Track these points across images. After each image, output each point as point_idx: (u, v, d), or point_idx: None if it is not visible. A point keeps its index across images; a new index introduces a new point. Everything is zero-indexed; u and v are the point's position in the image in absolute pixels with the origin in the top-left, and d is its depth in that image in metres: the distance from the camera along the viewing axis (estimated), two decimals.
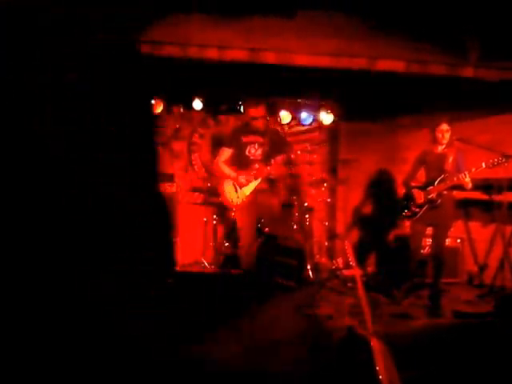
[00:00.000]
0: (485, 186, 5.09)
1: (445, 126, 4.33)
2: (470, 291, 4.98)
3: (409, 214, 4.50)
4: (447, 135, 4.34)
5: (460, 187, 4.31)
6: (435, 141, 4.39)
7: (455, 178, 4.17)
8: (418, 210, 4.43)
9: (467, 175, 4.12)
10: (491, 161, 4.09)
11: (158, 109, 5.76)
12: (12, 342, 1.02)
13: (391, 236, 5.92)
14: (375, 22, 4.59)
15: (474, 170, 4.11)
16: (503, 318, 3.76)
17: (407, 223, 4.79)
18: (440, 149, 4.39)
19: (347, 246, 4.27)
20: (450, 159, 4.29)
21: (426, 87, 5.10)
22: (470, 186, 4.18)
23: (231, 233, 5.41)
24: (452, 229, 4.75)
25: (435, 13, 4.46)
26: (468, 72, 4.81)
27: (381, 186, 6.31)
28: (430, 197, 4.35)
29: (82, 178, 1.08)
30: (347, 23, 4.60)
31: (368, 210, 6.44)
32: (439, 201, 4.32)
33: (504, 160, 4.10)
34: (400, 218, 5.03)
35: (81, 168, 1.10)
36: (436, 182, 4.34)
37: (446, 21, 4.55)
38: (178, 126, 6.22)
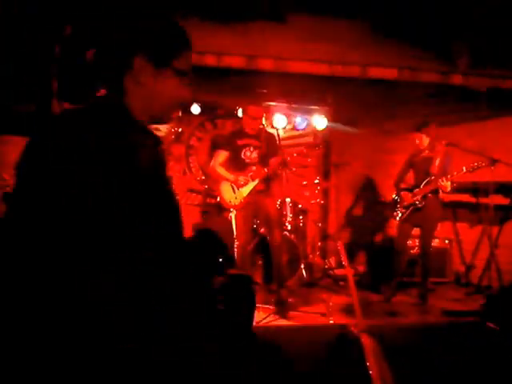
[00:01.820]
0: (472, 188, 5.27)
1: (420, 134, 4.51)
2: (458, 290, 5.13)
3: (396, 215, 4.66)
4: (425, 141, 4.50)
5: (454, 190, 4.48)
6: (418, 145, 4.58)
7: (438, 182, 4.34)
8: (403, 211, 4.59)
9: (444, 180, 4.28)
10: (471, 165, 4.26)
11: None
12: (9, 343, 1.00)
13: (381, 236, 6.07)
14: (369, 29, 4.72)
15: (455, 173, 4.28)
16: (490, 316, 3.90)
17: (395, 224, 4.92)
18: (426, 152, 4.55)
19: (340, 246, 4.40)
20: (437, 162, 4.42)
21: (415, 93, 5.25)
22: (448, 189, 4.30)
23: None
24: (440, 230, 4.90)
25: (426, 21, 4.60)
26: (457, 79, 4.97)
27: (370, 189, 6.46)
28: (414, 199, 4.52)
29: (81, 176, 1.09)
30: (342, 30, 4.72)
31: (359, 211, 6.59)
32: (423, 203, 4.47)
33: (482, 164, 4.27)
34: (388, 219, 5.15)
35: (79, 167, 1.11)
36: (422, 185, 4.50)
37: (436, 29, 4.69)
38: (180, 129, 6.33)
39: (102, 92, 1.21)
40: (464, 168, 4.25)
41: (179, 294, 1.06)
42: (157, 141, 1.21)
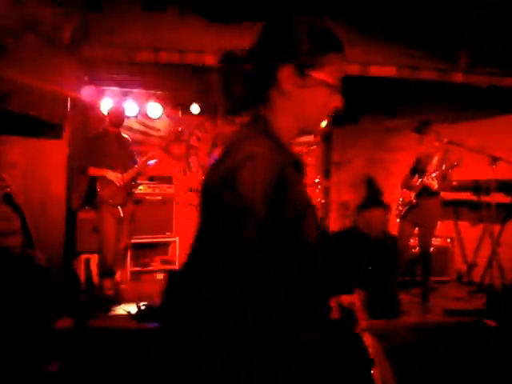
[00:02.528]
0: (474, 187, 5.26)
1: (420, 136, 4.51)
2: (460, 289, 5.13)
3: (397, 213, 4.67)
4: (425, 143, 4.49)
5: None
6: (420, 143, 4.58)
7: (424, 179, 4.34)
8: (402, 209, 4.59)
9: (428, 177, 4.29)
10: (449, 163, 4.28)
11: (158, 113, 5.88)
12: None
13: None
14: (368, 28, 4.72)
15: (436, 172, 4.30)
16: (492, 314, 3.89)
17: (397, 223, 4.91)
18: (427, 150, 4.54)
19: None
20: (434, 160, 4.43)
21: (415, 91, 5.24)
22: (435, 187, 4.30)
23: None
24: (441, 228, 4.89)
25: (426, 20, 4.60)
26: (457, 77, 4.96)
27: (370, 187, 6.45)
28: (410, 197, 4.52)
29: None
30: (341, 30, 4.72)
31: (360, 210, 6.57)
32: (414, 200, 4.45)
33: (456, 163, 4.26)
34: (389, 218, 5.14)
35: None
36: (418, 183, 4.49)
37: (436, 27, 4.68)
38: (180, 128, 6.33)
39: (254, 106, 1.20)
40: (444, 166, 4.28)
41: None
42: (288, 158, 1.15)
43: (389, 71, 4.83)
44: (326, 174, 6.72)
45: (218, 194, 1.05)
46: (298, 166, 1.16)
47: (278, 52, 1.15)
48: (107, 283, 4.40)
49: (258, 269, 1.00)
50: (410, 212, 4.52)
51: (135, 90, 5.61)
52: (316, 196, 6.34)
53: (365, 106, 5.94)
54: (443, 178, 4.32)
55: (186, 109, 6.04)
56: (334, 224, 6.75)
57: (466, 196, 5.41)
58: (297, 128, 1.21)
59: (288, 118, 1.18)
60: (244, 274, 1.00)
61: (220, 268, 1.02)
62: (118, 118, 4.60)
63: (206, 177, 1.20)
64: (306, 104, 1.18)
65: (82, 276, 4.62)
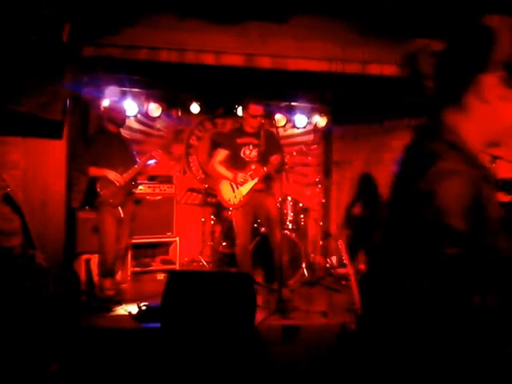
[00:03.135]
0: None
1: None
2: None
3: None
4: None
5: None
6: None
7: None
8: None
9: None
10: None
11: (157, 112, 5.87)
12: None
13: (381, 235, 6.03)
14: (368, 26, 4.71)
15: None
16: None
17: None
18: None
19: (341, 244, 4.40)
20: None
21: (415, 90, 5.23)
22: None
23: (228, 232, 5.53)
24: None
25: (426, 18, 4.59)
26: None
27: (370, 187, 6.44)
28: None
29: None
30: (341, 28, 4.71)
31: (358, 209, 6.57)
32: None
33: None
34: None
35: None
36: None
37: (436, 25, 4.67)
38: (180, 128, 6.32)
39: (445, 106, 1.17)
40: None
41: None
42: (480, 171, 1.10)
43: (389, 70, 4.82)
44: (326, 173, 6.71)
45: (416, 208, 1.05)
46: (490, 180, 1.12)
47: (489, 59, 1.09)
48: (107, 283, 4.40)
49: (457, 284, 1.01)
50: None
51: (135, 90, 5.60)
52: (317, 195, 6.35)
53: (365, 105, 5.92)
54: None
55: (185, 108, 6.03)
56: (334, 223, 6.74)
57: None
58: (484, 139, 1.17)
59: (479, 128, 1.14)
60: (445, 288, 1.01)
61: (418, 283, 1.04)
62: (118, 117, 4.60)
63: (392, 190, 1.20)
64: (503, 116, 1.13)
65: (83, 276, 4.62)
